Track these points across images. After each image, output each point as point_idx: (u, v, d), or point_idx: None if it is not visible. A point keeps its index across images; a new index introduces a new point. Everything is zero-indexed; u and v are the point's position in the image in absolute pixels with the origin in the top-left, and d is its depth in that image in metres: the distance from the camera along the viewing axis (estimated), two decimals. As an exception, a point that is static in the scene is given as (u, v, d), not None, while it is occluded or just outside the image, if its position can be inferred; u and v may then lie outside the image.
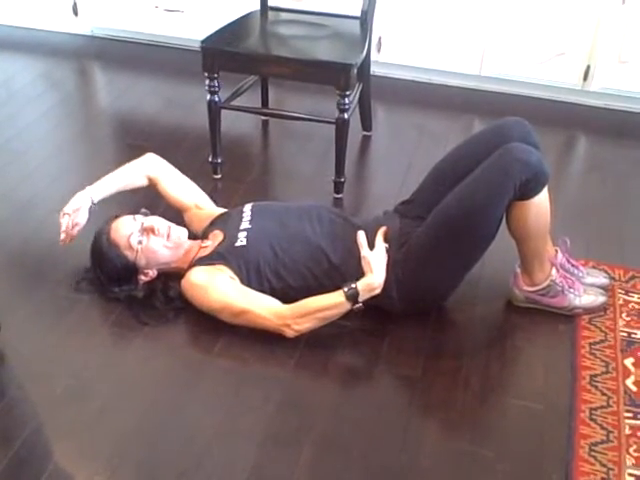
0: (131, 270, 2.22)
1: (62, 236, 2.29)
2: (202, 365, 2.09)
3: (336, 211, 2.37)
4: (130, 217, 2.24)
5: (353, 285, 2.03)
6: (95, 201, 2.33)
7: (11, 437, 1.83)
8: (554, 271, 2.21)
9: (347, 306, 2.04)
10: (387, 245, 2.13)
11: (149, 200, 2.46)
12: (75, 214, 2.29)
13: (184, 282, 2.19)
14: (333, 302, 2.04)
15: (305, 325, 2.06)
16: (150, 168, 2.45)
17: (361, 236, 2.08)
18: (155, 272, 2.26)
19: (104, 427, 1.88)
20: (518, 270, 2.25)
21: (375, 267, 2.05)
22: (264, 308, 2.08)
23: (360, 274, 2.06)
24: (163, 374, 2.05)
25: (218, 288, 2.12)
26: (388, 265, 2.10)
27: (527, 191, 2.04)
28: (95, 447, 1.83)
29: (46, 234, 2.56)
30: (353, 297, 2.02)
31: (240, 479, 1.75)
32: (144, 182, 2.46)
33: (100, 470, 1.77)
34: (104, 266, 2.23)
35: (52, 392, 1.97)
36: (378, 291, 2.06)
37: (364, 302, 2.05)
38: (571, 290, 2.22)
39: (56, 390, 1.98)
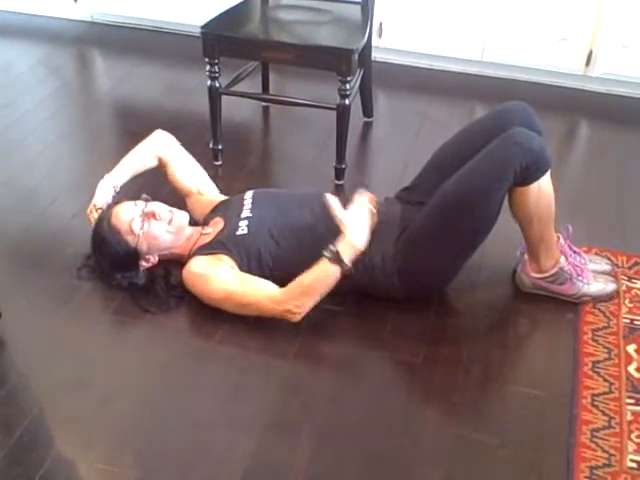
0: (132, 256, 2.21)
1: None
2: (203, 353, 2.09)
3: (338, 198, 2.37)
4: (131, 203, 2.23)
5: (332, 247, 2.02)
6: (118, 189, 2.35)
7: (13, 424, 1.83)
8: (563, 259, 2.20)
9: (336, 269, 2.03)
10: (373, 209, 2.12)
11: (151, 186, 2.45)
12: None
13: (185, 272, 2.18)
14: (322, 271, 2.03)
15: (306, 304, 2.05)
16: (160, 149, 2.44)
17: (329, 198, 2.07)
18: (156, 258, 2.25)
19: (106, 414, 1.88)
20: (525, 256, 2.24)
21: (349, 224, 2.04)
22: (265, 296, 2.07)
23: (359, 258, 2.07)
24: (164, 362, 2.05)
25: (219, 278, 2.11)
26: (387, 246, 2.10)
27: (528, 176, 2.03)
28: (97, 435, 1.83)
29: (47, 221, 2.55)
30: (336, 258, 2.01)
31: (241, 465, 1.75)
32: (155, 163, 2.46)
33: (102, 458, 1.77)
34: (105, 252, 2.22)
35: (53, 379, 1.97)
36: (361, 247, 2.05)
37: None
38: (579, 278, 2.21)
39: (57, 377, 1.98)
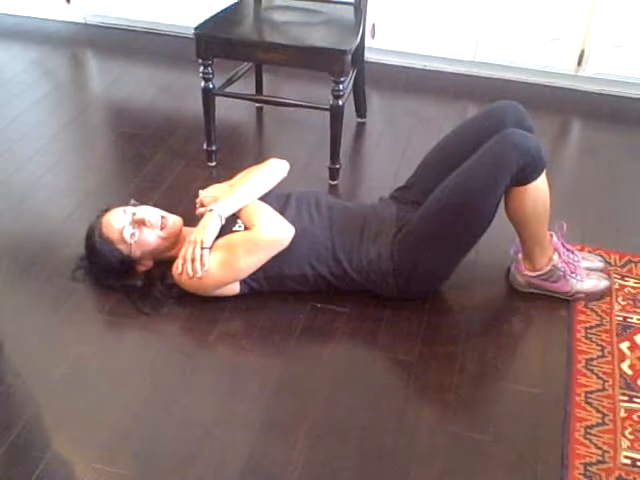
0: (127, 263, 2.20)
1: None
2: (199, 352, 2.09)
3: (334, 199, 2.38)
4: (120, 210, 2.20)
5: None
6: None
7: (9, 425, 1.84)
8: (556, 256, 2.21)
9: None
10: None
11: (142, 191, 2.43)
12: None
13: (175, 273, 2.18)
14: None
15: (262, 221, 2.13)
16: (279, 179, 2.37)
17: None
18: (151, 262, 2.25)
19: (101, 415, 1.89)
20: (519, 255, 2.25)
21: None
22: (245, 239, 2.12)
23: (354, 256, 2.15)
24: (160, 362, 2.05)
25: (209, 277, 2.12)
26: (383, 245, 2.15)
27: (524, 177, 2.04)
28: (93, 435, 1.83)
29: (42, 222, 2.55)
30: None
31: (237, 465, 1.76)
32: None
33: (98, 458, 1.77)
34: (100, 262, 2.20)
35: (49, 380, 1.98)
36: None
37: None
38: (573, 275, 2.22)
39: (53, 378, 1.98)
